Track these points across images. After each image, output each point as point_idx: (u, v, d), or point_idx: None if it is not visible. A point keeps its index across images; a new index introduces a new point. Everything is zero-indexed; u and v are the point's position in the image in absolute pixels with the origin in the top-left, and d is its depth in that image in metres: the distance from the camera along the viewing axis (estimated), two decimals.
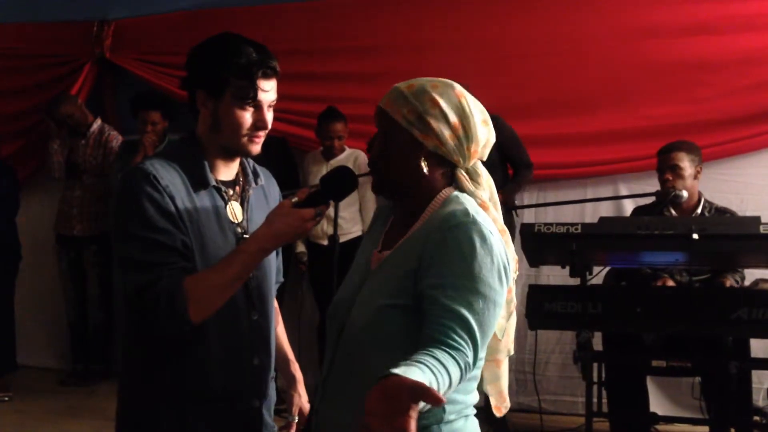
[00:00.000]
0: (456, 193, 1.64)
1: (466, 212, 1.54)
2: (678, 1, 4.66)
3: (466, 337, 1.44)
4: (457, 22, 4.92)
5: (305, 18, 5.23)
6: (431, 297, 1.48)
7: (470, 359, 1.44)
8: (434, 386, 1.29)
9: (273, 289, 2.05)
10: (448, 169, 1.65)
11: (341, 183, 1.77)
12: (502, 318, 1.62)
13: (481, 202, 1.64)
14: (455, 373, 1.39)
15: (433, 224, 1.57)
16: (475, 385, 1.64)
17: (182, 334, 1.76)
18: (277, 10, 5.29)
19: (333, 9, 5.22)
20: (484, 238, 1.51)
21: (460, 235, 1.51)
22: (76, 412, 4.89)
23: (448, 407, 1.57)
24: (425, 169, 1.61)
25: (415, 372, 1.27)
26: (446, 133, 1.60)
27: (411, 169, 1.62)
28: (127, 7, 5.60)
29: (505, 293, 1.57)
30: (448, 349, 1.41)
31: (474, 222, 1.53)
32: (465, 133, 1.61)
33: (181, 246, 1.77)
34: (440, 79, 1.66)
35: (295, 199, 1.73)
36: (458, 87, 1.64)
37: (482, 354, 1.55)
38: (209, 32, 1.90)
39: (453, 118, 1.60)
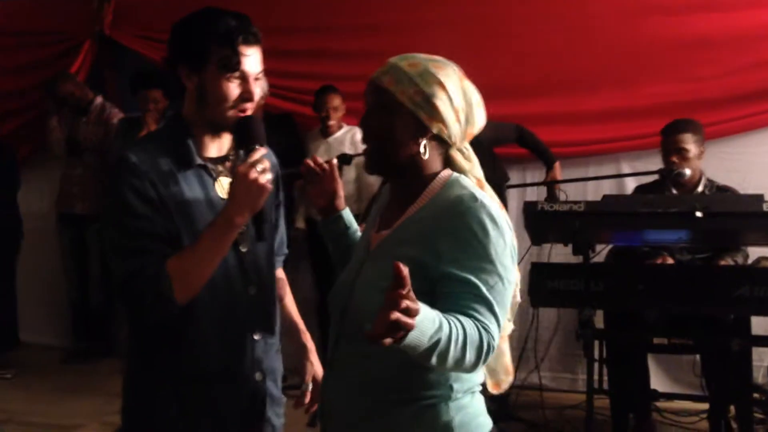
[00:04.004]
0: (456, 175, 1.64)
1: (473, 196, 1.55)
2: None
3: (489, 314, 1.46)
4: None
5: None
6: (450, 283, 1.49)
7: (494, 333, 1.46)
8: (443, 330, 1.34)
9: (274, 261, 2.05)
10: (444, 150, 1.65)
11: (247, 127, 1.81)
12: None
13: (477, 180, 1.65)
14: (472, 332, 1.41)
15: (439, 209, 1.57)
16: None
17: (170, 315, 1.76)
18: None
19: None
20: (494, 221, 1.52)
21: (472, 220, 1.51)
22: (77, 390, 4.91)
23: (456, 385, 1.58)
24: (427, 152, 1.61)
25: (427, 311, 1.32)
26: (452, 117, 1.60)
27: (413, 150, 1.61)
28: None
29: (515, 271, 1.57)
30: (469, 318, 1.44)
31: (483, 205, 1.53)
32: (466, 117, 1.62)
33: (163, 232, 1.77)
34: (438, 58, 1.65)
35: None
36: (457, 68, 1.65)
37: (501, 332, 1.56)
38: None
39: (458, 102, 1.61)
